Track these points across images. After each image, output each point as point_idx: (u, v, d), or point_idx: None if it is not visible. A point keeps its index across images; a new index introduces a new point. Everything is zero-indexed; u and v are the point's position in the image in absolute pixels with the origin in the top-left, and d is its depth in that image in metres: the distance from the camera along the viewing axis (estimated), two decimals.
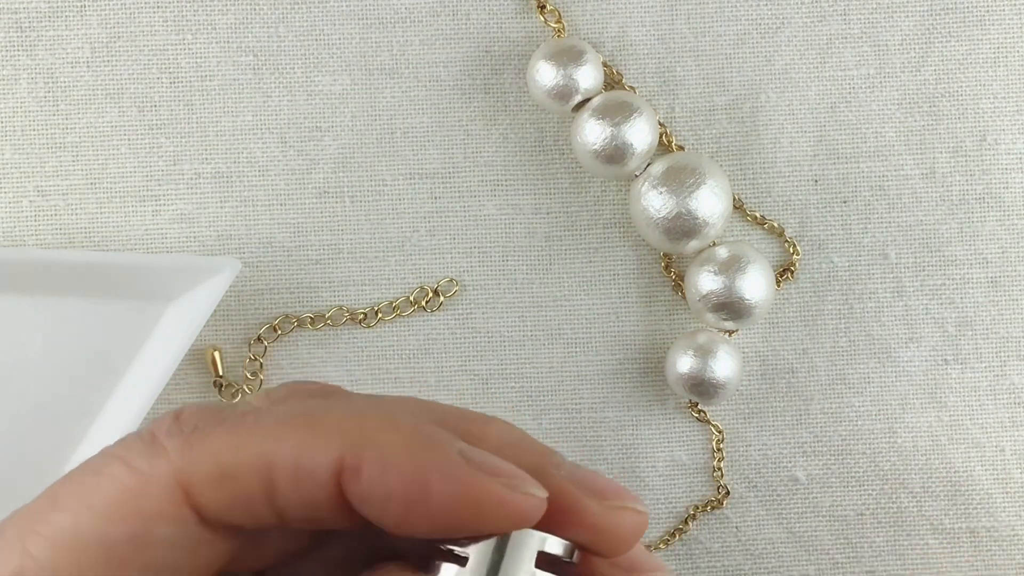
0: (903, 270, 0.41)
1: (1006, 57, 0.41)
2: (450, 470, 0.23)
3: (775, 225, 0.41)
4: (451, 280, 0.41)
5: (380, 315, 0.41)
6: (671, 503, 0.41)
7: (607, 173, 0.39)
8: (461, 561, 0.24)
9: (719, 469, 0.41)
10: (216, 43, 0.41)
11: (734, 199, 0.40)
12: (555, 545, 0.24)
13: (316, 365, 0.41)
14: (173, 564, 0.24)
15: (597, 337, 0.41)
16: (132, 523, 0.23)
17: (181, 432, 0.24)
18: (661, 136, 0.40)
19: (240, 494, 0.24)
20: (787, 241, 0.41)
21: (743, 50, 0.41)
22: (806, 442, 0.41)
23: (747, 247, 0.40)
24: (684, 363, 0.39)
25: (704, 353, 0.39)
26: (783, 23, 0.41)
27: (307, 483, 0.23)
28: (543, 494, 0.24)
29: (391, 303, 0.41)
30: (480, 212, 0.41)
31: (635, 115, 0.39)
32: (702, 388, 0.39)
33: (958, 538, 0.41)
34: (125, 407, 0.39)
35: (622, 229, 0.41)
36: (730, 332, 0.41)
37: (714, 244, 0.40)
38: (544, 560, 0.24)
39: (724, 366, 0.39)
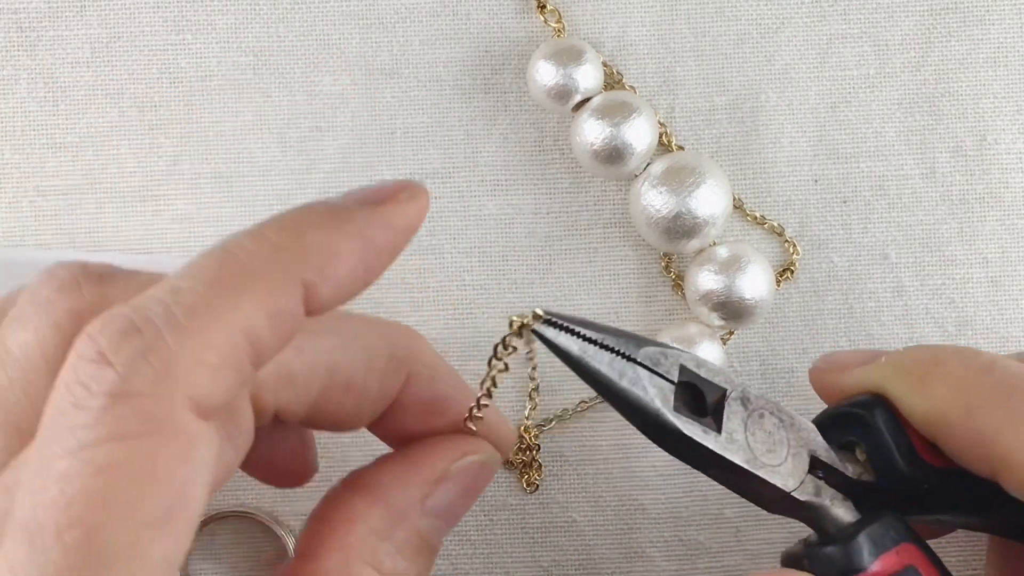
0: (903, 270, 0.41)
1: (1006, 57, 0.41)
2: (363, 219, 0.26)
3: (775, 225, 0.41)
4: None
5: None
6: (670, 503, 0.41)
7: (607, 173, 0.39)
8: None
9: None
10: (216, 43, 0.41)
11: (734, 199, 0.40)
12: None
13: None
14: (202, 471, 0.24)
15: None
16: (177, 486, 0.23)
17: (141, 373, 0.22)
18: (661, 136, 0.40)
19: (237, 381, 0.24)
20: (787, 241, 0.41)
21: (743, 50, 0.41)
22: None
23: (747, 247, 0.40)
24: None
25: (687, 342, 0.39)
26: (783, 23, 0.41)
27: (287, 325, 0.24)
28: (420, 185, 0.27)
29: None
30: (480, 212, 0.41)
31: (635, 115, 0.39)
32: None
33: (958, 535, 0.41)
34: None
35: (622, 229, 0.41)
36: (729, 332, 0.41)
37: (714, 244, 0.40)
38: None
39: (709, 355, 0.39)
